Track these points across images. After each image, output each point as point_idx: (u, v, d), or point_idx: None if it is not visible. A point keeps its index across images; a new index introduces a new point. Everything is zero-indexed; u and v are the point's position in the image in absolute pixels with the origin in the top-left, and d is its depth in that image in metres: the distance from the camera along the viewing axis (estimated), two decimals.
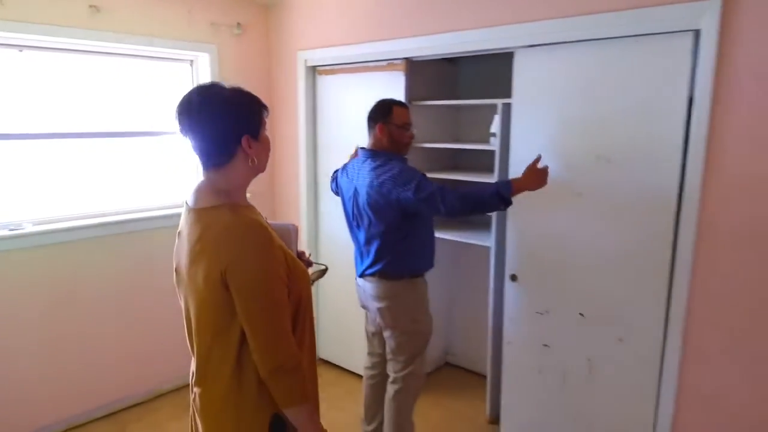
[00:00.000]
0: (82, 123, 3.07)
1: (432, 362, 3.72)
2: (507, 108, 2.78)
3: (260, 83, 3.74)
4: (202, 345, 1.37)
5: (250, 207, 1.42)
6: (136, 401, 3.28)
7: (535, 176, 2.37)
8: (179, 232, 1.44)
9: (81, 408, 3.05)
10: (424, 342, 2.58)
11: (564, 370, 2.63)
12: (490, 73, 3.40)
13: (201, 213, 1.35)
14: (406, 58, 3.08)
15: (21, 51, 2.82)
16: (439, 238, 3.33)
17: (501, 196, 2.28)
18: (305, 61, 3.57)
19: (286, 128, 3.71)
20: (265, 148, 1.42)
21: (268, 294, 1.28)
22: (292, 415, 1.35)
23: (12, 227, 2.79)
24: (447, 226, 3.45)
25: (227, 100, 1.34)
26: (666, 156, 2.22)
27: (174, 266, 1.46)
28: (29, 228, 2.82)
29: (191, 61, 3.51)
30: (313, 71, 3.61)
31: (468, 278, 3.68)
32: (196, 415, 1.44)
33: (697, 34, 2.09)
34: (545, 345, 2.69)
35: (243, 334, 1.31)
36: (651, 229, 2.29)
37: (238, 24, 3.55)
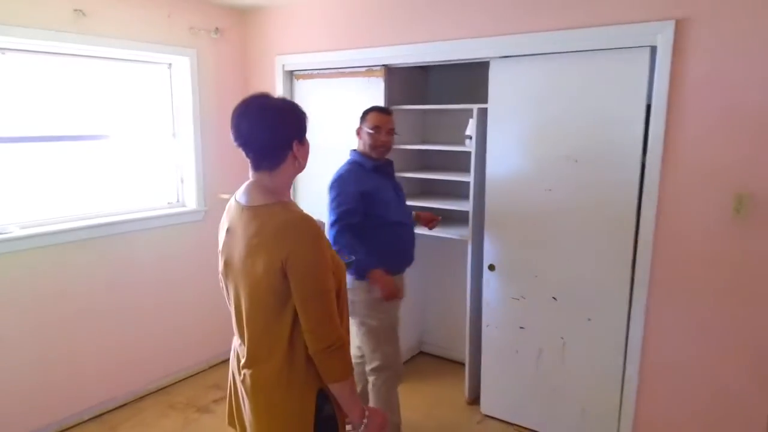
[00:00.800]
0: (66, 126, 3.07)
1: (408, 351, 3.94)
2: (481, 112, 3.03)
3: (238, 87, 3.82)
4: (255, 329, 1.51)
5: (295, 203, 1.57)
6: (123, 402, 3.30)
7: (390, 287, 2.53)
8: (228, 229, 1.57)
9: (69, 411, 3.05)
10: (384, 336, 2.67)
11: (539, 349, 2.91)
12: (458, 80, 3.65)
13: (256, 210, 1.49)
14: (384, 65, 3.28)
15: (3, 54, 2.80)
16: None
17: (358, 264, 2.43)
18: (283, 65, 3.69)
19: None
20: (307, 150, 1.58)
21: (321, 280, 1.44)
22: (336, 389, 1.52)
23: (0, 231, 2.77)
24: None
25: (282, 108, 1.51)
26: (628, 156, 2.53)
27: (223, 259, 1.58)
28: (16, 232, 2.81)
29: (169, 64, 3.55)
30: (291, 76, 3.74)
31: (441, 271, 3.92)
32: (245, 394, 1.57)
33: (653, 49, 2.41)
34: (521, 327, 2.96)
35: (295, 318, 1.47)
36: (615, 220, 2.60)
37: (217, 29, 3.63)
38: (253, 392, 1.54)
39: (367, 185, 2.59)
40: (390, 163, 2.78)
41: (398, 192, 2.78)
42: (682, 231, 2.43)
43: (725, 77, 2.26)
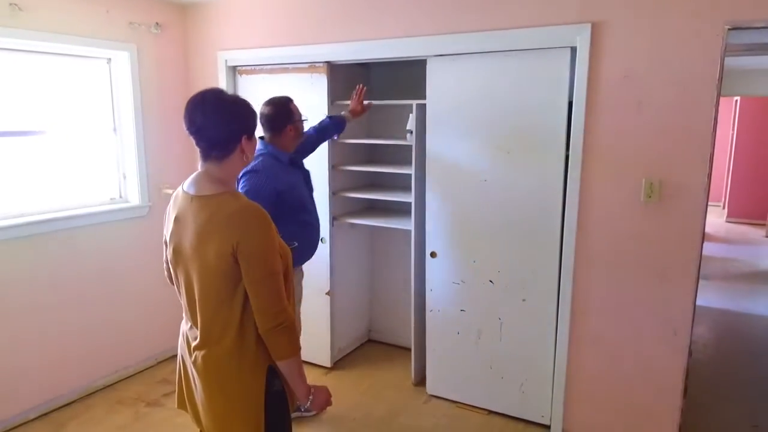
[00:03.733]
0: (3, 122, 3.00)
1: (356, 339, 4.07)
2: (420, 108, 3.18)
3: (180, 82, 3.82)
4: (207, 312, 1.59)
5: (241, 194, 1.67)
6: (70, 399, 3.27)
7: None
8: (176, 217, 1.64)
9: (13, 410, 3.01)
10: None
11: (479, 330, 3.10)
12: (400, 76, 3.78)
13: (207, 199, 1.58)
14: (327, 62, 3.38)
15: None
16: (358, 224, 3.71)
17: None
18: (226, 61, 3.72)
19: None
20: (254, 146, 1.69)
21: (270, 263, 1.55)
22: (284, 367, 1.63)
23: None
24: (367, 214, 3.81)
25: (235, 103, 1.62)
26: (554, 147, 2.74)
27: (172, 247, 1.65)
28: None
29: (109, 59, 3.52)
30: (234, 71, 3.78)
31: (386, 260, 4.06)
32: (196, 376, 1.65)
33: (573, 50, 2.62)
34: (462, 310, 3.14)
35: (245, 301, 1.57)
36: (544, 207, 2.81)
37: (157, 23, 3.62)
38: (205, 372, 1.62)
39: (283, 182, 2.58)
40: (297, 153, 2.82)
41: (308, 183, 2.84)
42: (601, 215, 2.66)
43: (636, 75, 2.50)
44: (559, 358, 2.88)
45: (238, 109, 1.63)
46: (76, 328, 3.29)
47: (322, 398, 1.73)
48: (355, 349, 4.04)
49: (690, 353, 2.63)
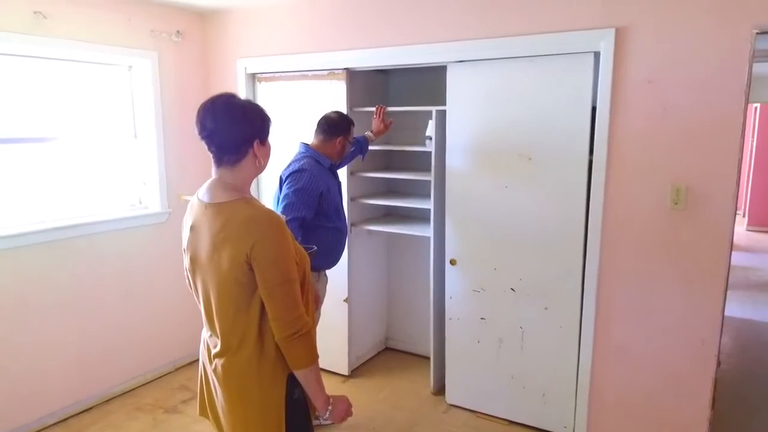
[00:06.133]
0: (26, 128, 3.04)
1: (374, 347, 4.04)
2: (440, 114, 3.16)
3: (199, 89, 3.84)
4: (225, 320, 1.58)
5: (256, 199, 1.65)
6: (89, 405, 3.28)
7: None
8: (192, 226, 1.63)
9: (33, 415, 3.02)
10: None
11: (499, 339, 3.06)
12: (418, 82, 3.77)
13: (220, 207, 1.56)
14: (346, 68, 3.37)
15: None
16: (376, 231, 3.69)
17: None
18: (245, 68, 3.74)
19: None
20: (268, 152, 1.66)
21: (285, 270, 1.52)
22: (302, 376, 1.59)
23: None
24: (384, 221, 3.80)
25: (246, 107, 1.60)
26: (576, 153, 2.70)
27: (188, 256, 1.64)
28: None
29: (130, 66, 3.55)
30: (253, 78, 3.79)
31: (404, 268, 4.03)
32: (217, 383, 1.64)
33: (596, 55, 2.59)
34: (482, 318, 3.10)
35: (262, 308, 1.55)
36: (567, 213, 2.77)
37: (178, 31, 3.65)
38: (226, 380, 1.61)
39: (325, 185, 2.69)
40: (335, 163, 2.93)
41: (341, 193, 2.95)
42: (626, 223, 2.62)
43: (662, 80, 2.46)
44: (583, 368, 2.82)
45: (249, 113, 1.60)
46: (95, 334, 3.30)
47: (342, 409, 1.69)
48: (373, 357, 4.01)
49: (718, 363, 2.57)
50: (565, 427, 2.94)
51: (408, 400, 3.39)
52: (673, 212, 2.51)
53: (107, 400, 3.37)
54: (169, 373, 3.74)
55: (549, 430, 3.01)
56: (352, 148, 3.10)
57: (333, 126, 2.81)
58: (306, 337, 1.56)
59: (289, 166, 2.72)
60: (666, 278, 2.57)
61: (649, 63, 2.48)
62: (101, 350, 3.34)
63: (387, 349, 4.17)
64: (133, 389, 3.51)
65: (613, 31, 2.51)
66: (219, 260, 1.53)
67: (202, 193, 1.63)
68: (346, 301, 3.56)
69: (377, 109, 3.30)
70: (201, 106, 1.57)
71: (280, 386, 1.60)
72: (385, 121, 3.30)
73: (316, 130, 2.85)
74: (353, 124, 2.91)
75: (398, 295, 4.11)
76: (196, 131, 1.57)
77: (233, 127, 1.56)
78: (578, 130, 2.68)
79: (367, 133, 3.26)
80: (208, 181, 1.64)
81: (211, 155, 1.60)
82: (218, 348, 1.61)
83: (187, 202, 3.69)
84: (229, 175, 1.60)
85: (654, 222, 2.56)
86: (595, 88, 2.61)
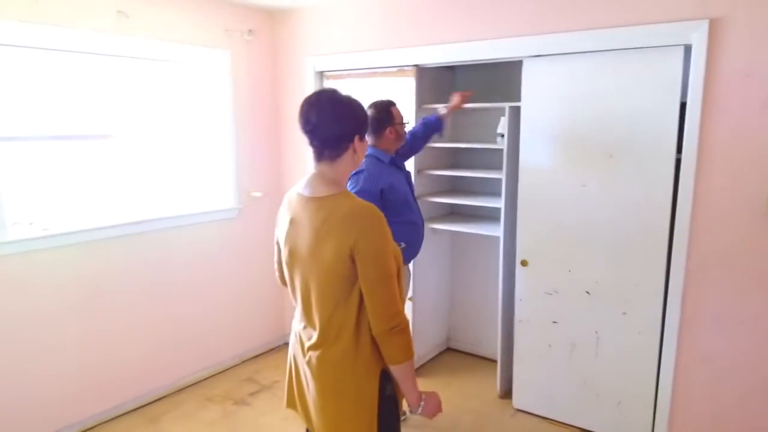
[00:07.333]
0: (106, 125, 3.16)
1: (436, 347, 4.00)
2: (512, 110, 3.09)
3: (269, 87, 3.91)
4: (324, 312, 1.58)
5: (354, 194, 1.65)
6: (162, 394, 3.38)
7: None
8: (292, 219, 1.64)
9: (112, 402, 3.13)
10: None
11: (572, 343, 2.96)
12: (485, 79, 3.70)
13: (322, 201, 1.57)
14: (416, 65, 3.35)
15: (52, 53, 2.89)
16: (440, 229, 3.65)
17: None
18: (314, 66, 3.77)
19: (295, 130, 3.89)
20: (365, 147, 1.68)
21: (386, 265, 1.52)
22: (397, 371, 1.58)
23: (44, 227, 2.86)
24: (449, 220, 3.75)
25: (349, 103, 1.61)
26: (662, 151, 2.58)
27: (287, 249, 1.65)
28: (57, 229, 2.89)
29: (204, 65, 3.63)
30: (321, 76, 3.82)
31: (469, 268, 3.97)
32: (310, 376, 1.64)
33: (688, 48, 2.46)
34: (554, 322, 3.01)
35: (361, 302, 1.54)
36: (650, 214, 2.65)
37: (249, 30, 3.72)
38: (320, 373, 1.61)
39: (386, 181, 2.66)
40: (397, 155, 2.87)
41: (410, 183, 2.90)
42: (717, 225, 2.48)
43: (760, 74, 2.31)
44: (664, 376, 2.70)
45: (352, 109, 1.63)
46: (165, 325, 3.40)
47: (434, 404, 1.68)
48: (434, 357, 3.97)
49: None
50: None
51: (473, 403, 3.34)
52: None
53: (178, 390, 3.46)
54: (236, 365, 3.82)
55: None
56: (416, 127, 3.06)
57: (376, 122, 2.71)
58: (404, 332, 1.56)
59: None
60: (758, 284, 2.41)
61: (745, 55, 2.34)
62: (172, 341, 3.43)
63: (449, 349, 4.12)
64: (203, 380, 3.60)
65: (706, 22, 2.38)
66: (321, 253, 1.54)
67: (302, 187, 1.65)
68: (410, 299, 3.54)
69: (464, 95, 3.18)
70: (305, 100, 1.59)
71: (374, 381, 1.60)
72: (463, 96, 3.15)
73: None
74: (393, 104, 2.78)
75: (461, 295, 4.05)
76: (299, 125, 1.60)
77: (337, 123, 1.58)
78: (665, 127, 2.56)
79: (440, 110, 3.14)
80: (307, 176, 1.67)
81: (312, 150, 1.61)
82: (314, 340, 1.61)
83: (256, 199, 3.79)
84: (329, 169, 1.61)
85: (747, 225, 2.41)
86: (684, 83, 2.49)
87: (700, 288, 2.55)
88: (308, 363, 1.64)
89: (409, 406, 1.67)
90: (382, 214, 1.56)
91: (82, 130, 3.06)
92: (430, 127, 3.09)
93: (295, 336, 1.74)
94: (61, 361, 2.91)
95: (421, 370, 3.75)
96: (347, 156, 1.61)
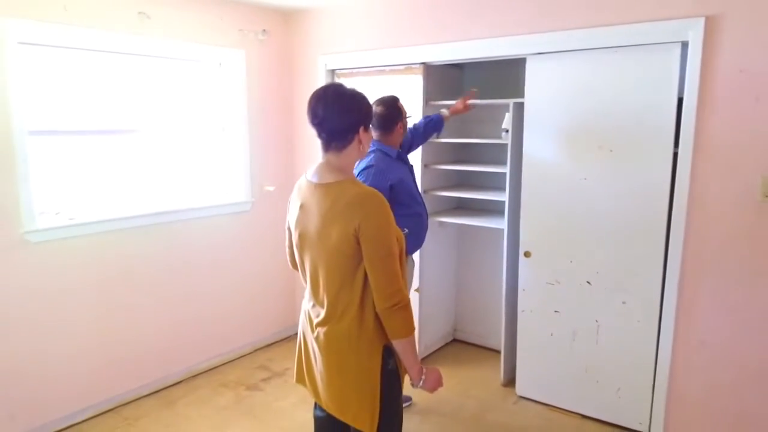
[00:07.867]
0: (129, 121, 3.31)
1: (442, 338, 4.10)
2: (517, 106, 3.19)
3: (282, 85, 4.04)
4: (331, 291, 1.70)
5: (358, 180, 1.77)
6: (179, 379, 3.53)
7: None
8: (301, 205, 1.77)
9: (130, 385, 3.28)
10: None
11: (573, 332, 3.06)
12: (492, 76, 3.80)
13: (329, 187, 1.69)
14: (423, 63, 3.46)
15: (79, 52, 3.04)
16: (447, 222, 3.76)
17: None
18: (326, 64, 3.90)
19: (307, 127, 4.01)
20: (370, 138, 1.81)
21: (388, 244, 1.64)
22: (399, 346, 1.70)
23: (70, 217, 3.02)
24: (455, 213, 3.86)
25: (354, 96, 1.73)
26: (660, 145, 2.67)
27: (297, 233, 1.78)
28: (81, 218, 3.04)
29: (220, 63, 3.78)
30: (333, 74, 3.94)
31: (472, 259, 4.08)
32: (317, 351, 1.76)
33: (684, 45, 2.55)
34: (556, 311, 3.10)
35: (365, 281, 1.66)
36: (648, 206, 2.74)
37: (263, 30, 3.85)
38: (327, 348, 1.73)
39: (395, 176, 2.75)
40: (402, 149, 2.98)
41: (413, 176, 2.99)
42: (713, 215, 2.56)
43: (754, 70, 2.40)
44: (662, 364, 2.78)
45: (356, 101, 1.74)
46: (184, 311, 3.55)
47: (434, 378, 1.79)
48: (441, 348, 4.08)
49: None
50: (641, 423, 2.91)
51: (478, 390, 3.44)
52: (762, 205, 2.44)
53: (193, 376, 3.61)
54: (249, 353, 3.96)
55: (623, 425, 2.98)
56: (419, 123, 3.18)
57: (385, 119, 2.80)
58: (405, 309, 1.67)
59: (360, 162, 2.82)
60: (753, 272, 2.49)
61: (740, 52, 2.42)
62: (188, 329, 3.58)
63: (455, 340, 4.23)
64: (217, 366, 3.74)
65: (702, 20, 2.47)
66: (329, 235, 1.66)
67: (311, 174, 1.77)
68: (417, 290, 3.65)
69: (471, 91, 3.31)
70: (312, 95, 1.71)
71: (376, 356, 1.71)
72: (467, 105, 3.29)
73: (373, 125, 2.81)
74: (398, 100, 2.89)
75: (467, 286, 4.16)
76: (307, 119, 1.73)
77: (342, 115, 1.69)
78: (663, 122, 2.65)
79: (443, 111, 3.26)
80: (316, 164, 1.79)
81: (320, 141, 1.74)
82: (321, 317, 1.73)
83: (269, 192, 3.92)
84: (336, 158, 1.73)
85: (742, 215, 2.49)
86: (681, 79, 2.57)
87: (697, 276, 2.63)
88: (316, 339, 1.76)
89: (410, 379, 1.79)
90: (384, 199, 1.68)
91: (106, 126, 3.21)
92: (432, 126, 3.21)
93: (305, 314, 1.86)
94: (83, 345, 3.06)
95: (427, 360, 3.86)
96: (353, 146, 1.73)
